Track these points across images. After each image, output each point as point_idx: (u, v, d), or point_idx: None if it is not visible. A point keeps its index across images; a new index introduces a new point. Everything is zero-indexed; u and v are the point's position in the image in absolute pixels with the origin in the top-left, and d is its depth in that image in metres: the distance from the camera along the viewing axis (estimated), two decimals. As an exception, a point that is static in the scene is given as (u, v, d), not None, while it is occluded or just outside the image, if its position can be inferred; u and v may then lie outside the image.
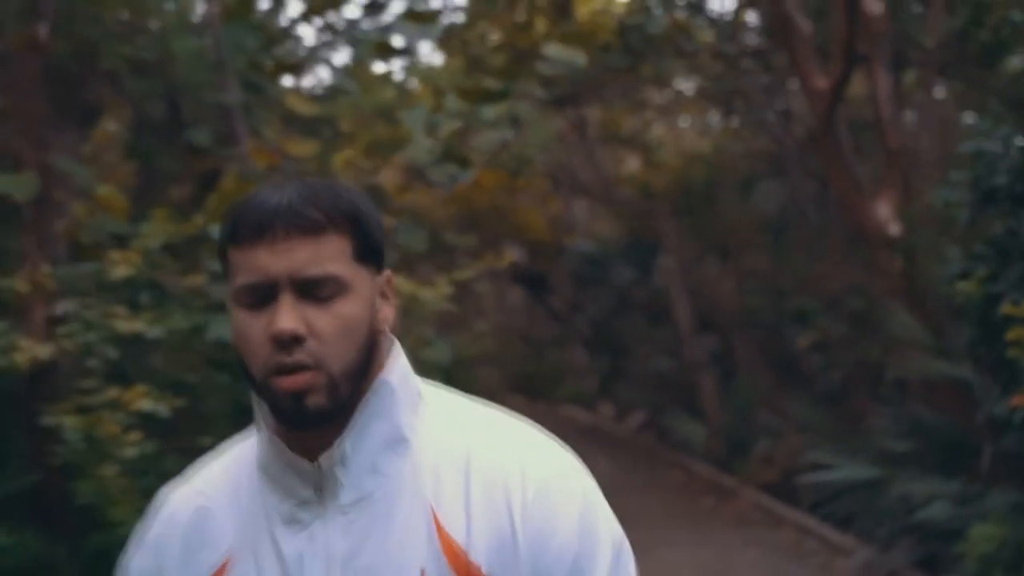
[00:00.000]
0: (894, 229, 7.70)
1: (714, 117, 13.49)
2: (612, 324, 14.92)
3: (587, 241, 15.63)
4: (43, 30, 4.75)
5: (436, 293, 5.22)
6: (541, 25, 10.90)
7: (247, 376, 1.24)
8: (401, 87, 7.09)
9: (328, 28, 6.70)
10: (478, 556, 1.23)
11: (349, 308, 1.21)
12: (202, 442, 4.02)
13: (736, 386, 11.52)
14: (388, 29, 6.56)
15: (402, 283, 5.60)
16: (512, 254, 15.66)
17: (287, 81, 6.88)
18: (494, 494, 1.25)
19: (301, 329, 1.18)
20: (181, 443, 4.53)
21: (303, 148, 6.02)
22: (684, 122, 13.97)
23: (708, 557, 7.95)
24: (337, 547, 1.23)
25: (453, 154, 5.56)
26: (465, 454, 1.27)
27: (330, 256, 1.20)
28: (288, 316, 1.18)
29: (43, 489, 4.80)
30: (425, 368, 5.32)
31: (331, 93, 6.43)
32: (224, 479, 1.32)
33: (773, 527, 8.84)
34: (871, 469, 7.16)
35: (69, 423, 4.07)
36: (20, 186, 4.67)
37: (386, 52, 6.27)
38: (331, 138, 6.41)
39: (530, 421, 1.35)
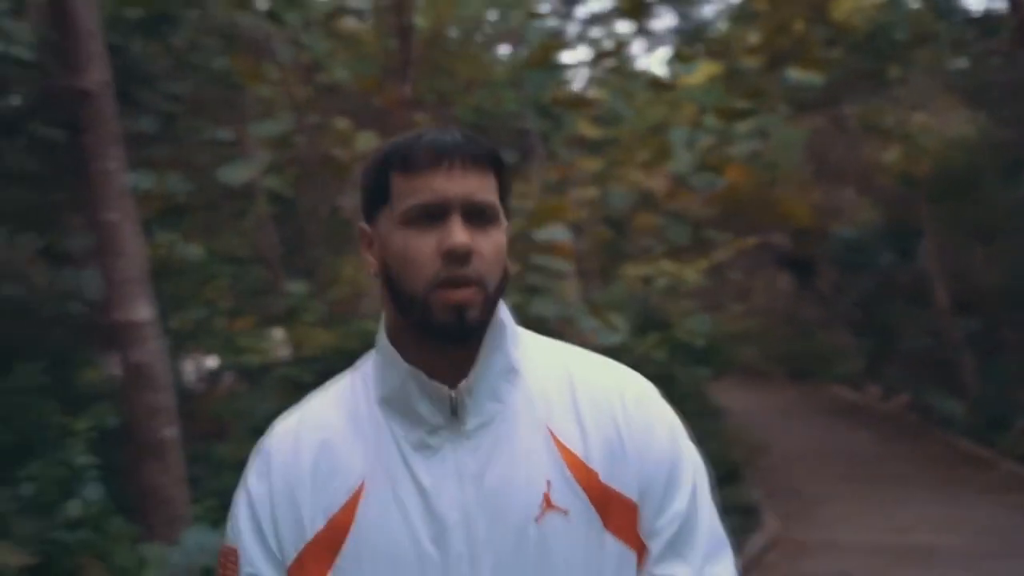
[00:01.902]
0: None
1: (965, 109, 13.58)
2: (875, 307, 15.29)
3: (850, 227, 15.97)
4: (407, 89, 6.58)
5: (694, 270, 6.57)
6: (799, 25, 11.63)
7: (398, 297, 1.32)
8: (669, 106, 8.44)
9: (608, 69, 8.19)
10: (594, 463, 1.34)
11: (500, 236, 1.33)
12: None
13: (997, 365, 11.81)
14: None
15: (667, 265, 7.13)
16: (776, 240, 16.41)
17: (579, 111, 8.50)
18: (600, 409, 1.37)
19: (472, 245, 1.28)
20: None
21: (590, 164, 7.63)
22: (939, 113, 14.16)
23: (950, 511, 8.43)
24: (467, 467, 1.32)
25: (709, 164, 6.91)
26: (568, 378, 1.39)
27: (491, 188, 1.32)
28: (462, 233, 1.28)
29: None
30: (688, 336, 6.68)
31: (612, 119, 7.94)
32: (341, 414, 1.39)
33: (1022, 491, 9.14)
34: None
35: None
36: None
37: (658, 86, 7.73)
38: (612, 155, 7.96)
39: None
